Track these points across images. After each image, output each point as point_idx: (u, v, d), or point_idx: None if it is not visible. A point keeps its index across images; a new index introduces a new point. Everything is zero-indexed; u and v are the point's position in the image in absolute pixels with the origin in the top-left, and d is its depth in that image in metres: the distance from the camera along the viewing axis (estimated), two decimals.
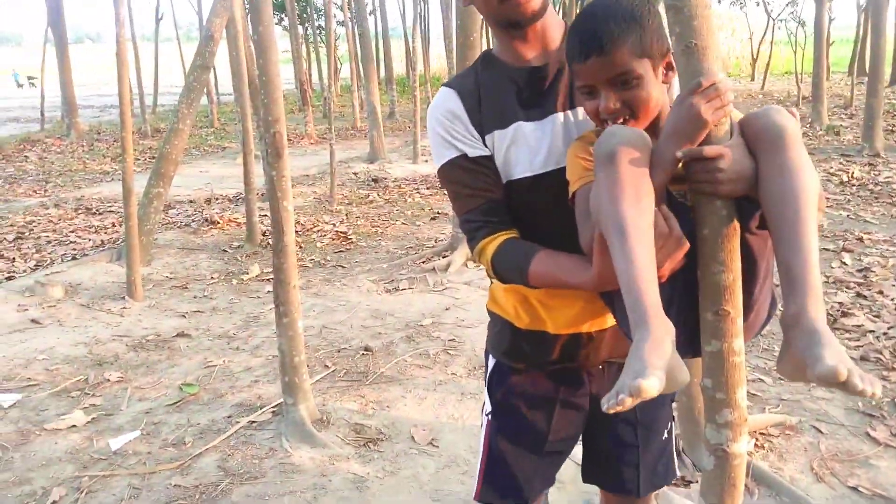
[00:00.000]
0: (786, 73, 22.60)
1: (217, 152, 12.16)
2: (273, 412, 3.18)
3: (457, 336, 3.99)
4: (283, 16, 20.65)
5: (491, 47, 1.44)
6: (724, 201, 1.08)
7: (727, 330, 1.12)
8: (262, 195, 7.26)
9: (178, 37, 18.93)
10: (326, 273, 5.34)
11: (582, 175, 1.21)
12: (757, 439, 2.78)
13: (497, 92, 1.34)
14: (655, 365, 0.94)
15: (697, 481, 2.51)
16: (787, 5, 16.83)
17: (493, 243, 1.33)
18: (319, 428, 3.00)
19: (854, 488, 2.46)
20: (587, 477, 1.64)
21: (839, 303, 4.09)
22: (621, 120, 1.17)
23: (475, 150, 1.34)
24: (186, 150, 9.83)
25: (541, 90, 1.32)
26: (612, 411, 0.91)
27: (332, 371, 3.60)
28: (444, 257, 5.36)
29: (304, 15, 21.26)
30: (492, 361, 1.56)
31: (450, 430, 3.00)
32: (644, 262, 1.01)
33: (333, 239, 6.30)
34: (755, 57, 21.75)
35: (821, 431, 2.84)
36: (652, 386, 0.90)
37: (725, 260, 1.10)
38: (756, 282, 1.16)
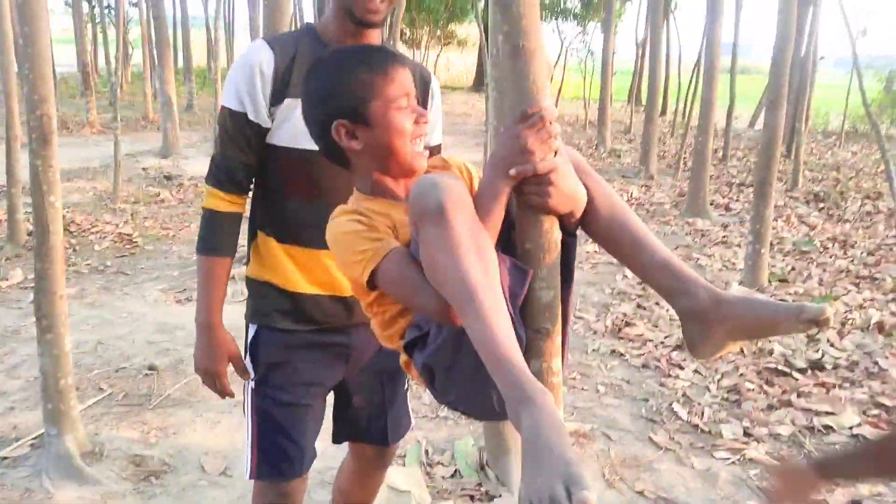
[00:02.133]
0: (575, 97, 24.59)
1: None
2: (32, 445, 2.73)
3: None
4: None
5: (312, 23, 1.63)
6: (546, 216, 1.06)
7: (546, 349, 1.09)
8: (29, 189, 6.37)
9: None
10: (105, 280, 4.77)
11: (372, 248, 1.08)
12: None
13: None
14: (573, 456, 0.80)
15: (501, 495, 2.53)
16: (578, 34, 18.30)
17: (221, 199, 1.54)
18: (90, 462, 2.61)
19: (640, 492, 2.61)
20: (338, 437, 1.81)
21: (623, 313, 4.42)
22: None
23: (256, 116, 1.50)
24: None
25: None
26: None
27: (108, 395, 3.17)
28: (246, 264, 5.02)
29: None
30: (252, 329, 1.63)
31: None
32: (504, 328, 0.92)
33: (115, 241, 5.66)
34: (551, 80, 23.42)
35: (610, 438, 3.01)
36: (591, 496, 0.75)
37: (547, 276, 1.07)
38: (570, 298, 1.15)
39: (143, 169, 8.70)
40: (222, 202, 1.55)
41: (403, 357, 1.20)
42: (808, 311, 0.99)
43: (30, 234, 5.30)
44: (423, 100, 1.63)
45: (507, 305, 0.98)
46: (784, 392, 3.34)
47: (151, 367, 3.43)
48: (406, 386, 1.81)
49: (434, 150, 1.69)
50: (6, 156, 5.29)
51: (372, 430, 1.77)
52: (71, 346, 2.67)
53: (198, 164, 9.16)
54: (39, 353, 2.63)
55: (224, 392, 1.63)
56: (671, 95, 17.55)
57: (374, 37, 1.55)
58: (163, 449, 2.75)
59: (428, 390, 1.19)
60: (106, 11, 19.18)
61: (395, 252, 1.07)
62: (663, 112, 18.24)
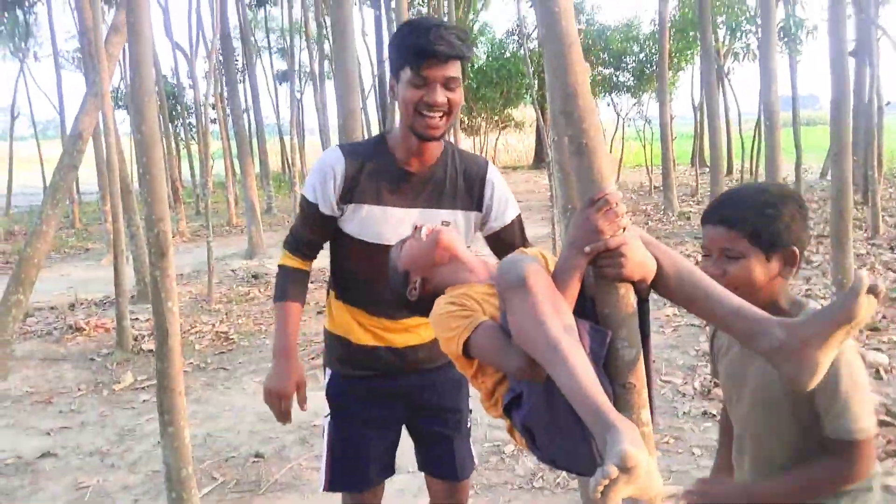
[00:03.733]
0: (637, 165, 24.67)
1: (79, 254, 11.44)
2: None
3: None
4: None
5: (388, 130, 1.91)
6: (621, 284, 1.19)
7: (634, 402, 1.19)
8: (133, 297, 6.87)
9: (36, 134, 17.99)
10: (207, 377, 5.07)
11: (463, 323, 1.27)
12: None
13: (378, 177, 1.83)
14: (631, 438, 0.97)
15: None
16: (633, 105, 18.57)
17: (291, 260, 1.95)
18: None
19: None
20: (420, 465, 2.09)
21: (710, 373, 4.37)
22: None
23: (326, 209, 1.84)
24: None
25: (408, 189, 1.84)
26: (600, 488, 0.93)
27: (221, 482, 3.37)
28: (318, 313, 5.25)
29: (174, 112, 20.94)
30: (328, 374, 2.03)
31: None
32: (586, 371, 1.06)
33: (213, 340, 6.03)
34: (609, 152, 23.68)
35: None
36: (634, 452, 0.95)
37: (627, 336, 1.19)
38: (650, 356, 1.26)
39: (232, 271, 9.23)
40: (291, 261, 1.94)
41: (507, 423, 1.34)
42: (854, 287, 1.08)
43: (136, 339, 5.74)
44: (480, 192, 1.93)
45: (590, 362, 1.11)
46: (889, 442, 3.23)
47: (258, 455, 3.63)
48: (469, 426, 2.08)
49: (509, 226, 1.94)
50: (114, 271, 5.78)
51: (442, 464, 2.03)
52: (188, 439, 2.88)
53: None
54: (162, 446, 2.85)
55: (286, 414, 1.91)
56: (735, 154, 17.42)
57: (436, 148, 1.84)
58: None
59: (531, 452, 1.32)
60: (188, 129, 20.77)
61: (483, 324, 1.26)
62: (729, 172, 18.11)
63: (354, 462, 1.95)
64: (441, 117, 1.72)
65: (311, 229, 1.90)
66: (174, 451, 2.85)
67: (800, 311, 1.42)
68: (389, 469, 2.04)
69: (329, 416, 2.01)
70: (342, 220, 1.86)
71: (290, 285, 1.94)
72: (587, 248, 1.16)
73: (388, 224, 1.82)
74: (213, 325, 6.44)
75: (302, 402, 1.95)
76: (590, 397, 1.03)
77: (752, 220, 1.40)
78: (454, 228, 1.90)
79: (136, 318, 6.43)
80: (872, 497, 1.43)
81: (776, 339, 1.15)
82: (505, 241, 1.94)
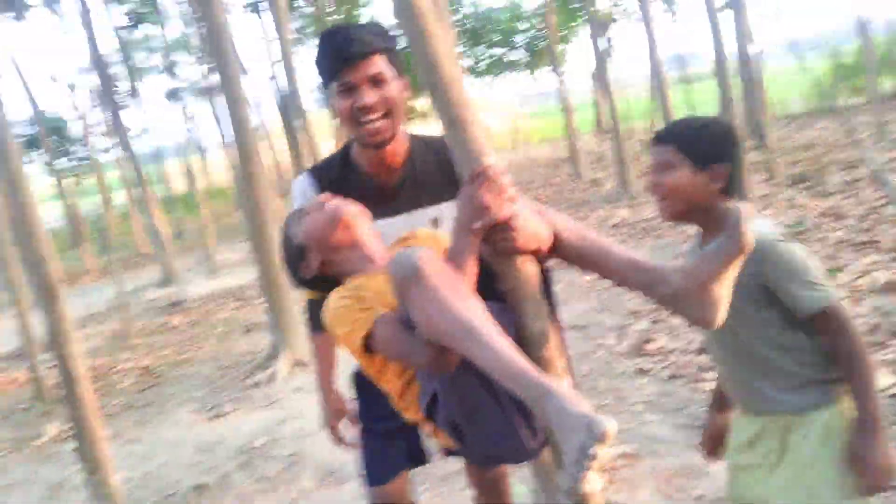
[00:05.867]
0: (542, 139, 25.15)
1: None
2: None
3: (298, 450, 3.76)
4: (39, 151, 19.15)
5: (350, 141, 1.78)
6: (518, 256, 1.17)
7: (551, 374, 1.17)
8: (44, 345, 6.47)
9: None
10: (137, 415, 4.83)
11: (362, 317, 1.22)
12: (605, 475, 2.91)
13: (350, 195, 1.62)
14: (591, 412, 0.93)
15: None
16: (533, 82, 18.94)
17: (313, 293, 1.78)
18: None
19: (699, 498, 2.64)
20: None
21: (640, 330, 4.49)
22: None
23: None
24: None
25: (383, 199, 1.72)
26: (586, 477, 0.90)
27: None
28: (266, 369, 5.10)
29: (61, 148, 19.86)
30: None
31: None
32: (504, 344, 1.03)
33: (140, 375, 5.75)
34: (514, 129, 24.01)
35: (657, 453, 3.04)
36: (612, 424, 0.90)
37: (533, 308, 1.17)
38: (558, 322, 1.25)
39: (149, 300, 8.85)
40: (314, 294, 1.82)
41: (428, 428, 1.30)
42: (734, 222, 1.13)
43: (55, 387, 5.40)
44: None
45: None
46: None
47: (200, 486, 3.47)
48: None
49: None
50: (21, 319, 5.43)
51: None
52: (120, 482, 2.73)
53: (199, 286, 9.32)
54: (91, 497, 2.69)
55: (338, 441, 1.96)
56: (634, 116, 18.00)
57: (397, 150, 1.73)
58: None
59: (460, 454, 1.28)
60: (79, 162, 19.74)
61: (382, 317, 1.20)
62: (630, 134, 18.70)
63: (373, 464, 1.91)
64: (381, 118, 1.61)
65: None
66: (103, 499, 2.69)
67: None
68: (414, 460, 1.94)
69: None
70: None
71: (317, 318, 1.86)
72: (475, 226, 1.12)
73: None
74: (136, 361, 6.14)
75: (349, 424, 1.94)
76: (516, 368, 1.00)
77: (683, 133, 1.50)
78: (444, 224, 1.82)
79: (53, 366, 6.05)
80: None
81: (674, 285, 1.17)
82: None
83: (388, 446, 1.93)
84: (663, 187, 1.48)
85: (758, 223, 1.44)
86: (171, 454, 4.01)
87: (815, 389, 1.50)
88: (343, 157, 1.78)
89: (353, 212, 1.44)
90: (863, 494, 1.46)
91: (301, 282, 1.50)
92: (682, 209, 1.49)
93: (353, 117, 1.61)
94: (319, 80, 1.70)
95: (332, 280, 1.81)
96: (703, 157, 1.47)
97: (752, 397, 1.58)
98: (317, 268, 1.43)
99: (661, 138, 1.54)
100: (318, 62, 1.65)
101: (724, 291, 1.17)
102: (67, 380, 2.70)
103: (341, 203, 1.44)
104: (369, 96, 1.59)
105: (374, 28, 1.62)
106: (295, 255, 1.46)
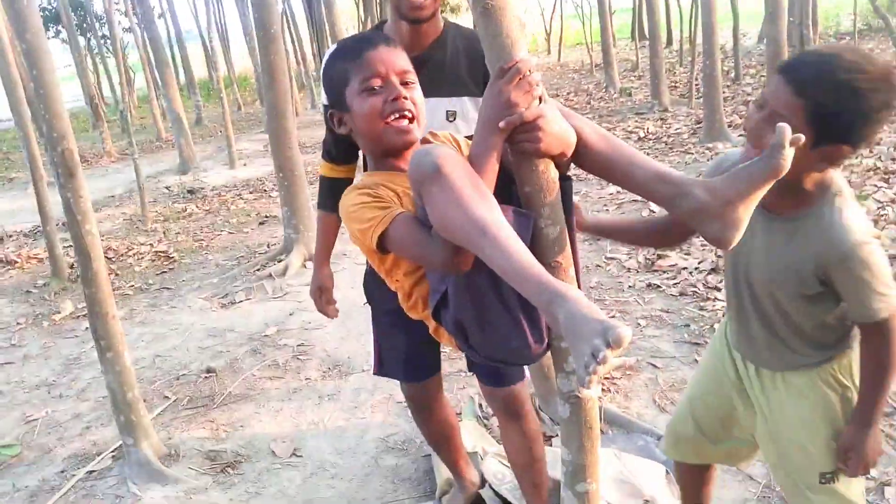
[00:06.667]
0: (577, 44, 24.21)
1: (2, 185, 10.86)
2: (113, 457, 2.89)
3: (305, 340, 3.85)
4: (59, 27, 18.81)
5: (383, 21, 1.86)
6: (541, 160, 1.11)
7: (561, 280, 1.15)
8: (64, 224, 6.56)
9: None
10: (151, 298, 4.94)
11: (379, 215, 1.18)
12: (603, 384, 2.95)
13: None
14: (606, 318, 0.89)
15: (557, 435, 2.61)
16: None
17: (325, 167, 1.99)
18: (169, 463, 2.77)
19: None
20: (468, 367, 2.02)
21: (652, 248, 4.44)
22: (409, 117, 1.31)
23: None
24: None
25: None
26: (593, 380, 0.87)
27: (174, 401, 3.33)
28: (279, 261, 5.16)
29: (84, 25, 19.47)
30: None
31: (312, 436, 2.89)
32: (519, 247, 0.98)
33: (153, 260, 5.84)
34: (548, 32, 23.07)
35: (656, 367, 3.07)
36: (626, 330, 0.85)
37: (550, 213, 1.13)
38: (574, 231, 1.21)
39: (166, 188, 8.89)
40: (327, 171, 1.99)
41: (432, 325, 1.29)
42: (777, 142, 1.04)
43: (72, 266, 5.52)
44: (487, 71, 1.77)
45: None
46: None
47: (209, 370, 3.58)
48: None
49: None
50: (36, 197, 5.48)
51: (486, 369, 1.90)
52: (131, 362, 2.81)
53: (217, 176, 9.32)
54: (104, 372, 2.78)
55: (322, 311, 2.10)
56: (674, 25, 17.18)
57: (430, 31, 1.78)
58: (234, 442, 2.90)
59: (463, 352, 1.27)
60: (102, 41, 19.41)
61: (400, 216, 1.16)
62: (669, 43, 17.91)
63: (392, 353, 2.01)
64: None
65: (331, 130, 1.84)
66: (117, 375, 2.77)
67: (824, 196, 1.36)
68: (429, 368, 2.03)
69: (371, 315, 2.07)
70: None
71: (325, 196, 2.00)
72: (502, 124, 1.06)
73: None
74: (152, 245, 6.23)
75: (323, 306, 2.09)
76: (529, 271, 0.96)
77: (824, 103, 1.24)
78: (460, 121, 1.79)
79: (70, 245, 6.16)
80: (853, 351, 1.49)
81: (697, 199, 1.11)
82: None
83: (399, 342, 2.00)
84: (763, 144, 1.18)
85: (848, 214, 1.32)
86: (182, 338, 4.12)
87: (819, 352, 1.48)
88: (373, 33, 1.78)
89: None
90: (846, 475, 1.49)
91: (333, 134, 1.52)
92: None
93: None
94: None
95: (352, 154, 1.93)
96: (830, 136, 1.26)
97: (755, 350, 1.57)
98: (344, 128, 1.39)
99: (795, 81, 1.26)
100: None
101: (746, 213, 1.10)
102: (83, 258, 2.72)
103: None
104: None
105: None
106: (331, 88, 1.42)
